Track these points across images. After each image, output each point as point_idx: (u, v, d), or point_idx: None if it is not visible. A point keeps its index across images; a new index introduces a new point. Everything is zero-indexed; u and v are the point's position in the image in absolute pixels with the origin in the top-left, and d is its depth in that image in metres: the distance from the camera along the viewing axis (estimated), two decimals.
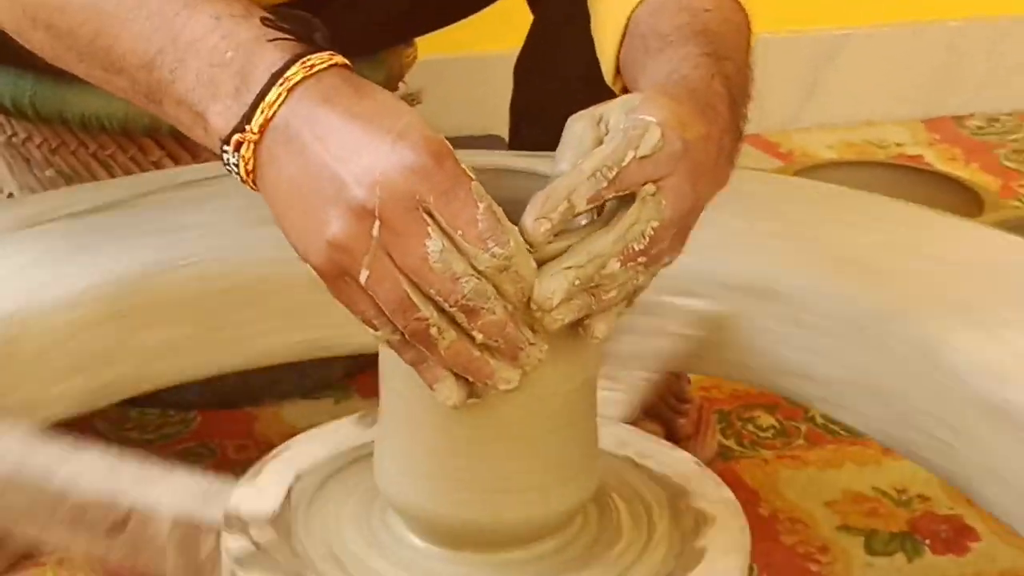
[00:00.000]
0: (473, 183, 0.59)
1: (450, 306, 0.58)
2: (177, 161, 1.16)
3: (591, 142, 0.65)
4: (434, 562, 0.72)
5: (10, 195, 1.23)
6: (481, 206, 0.58)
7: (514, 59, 1.18)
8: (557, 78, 1.04)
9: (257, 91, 0.62)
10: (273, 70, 0.62)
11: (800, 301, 0.87)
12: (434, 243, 0.58)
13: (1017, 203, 1.47)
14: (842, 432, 1.17)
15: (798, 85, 1.71)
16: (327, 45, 0.66)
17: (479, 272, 0.59)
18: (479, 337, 0.59)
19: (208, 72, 0.65)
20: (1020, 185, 1.54)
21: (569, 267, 0.61)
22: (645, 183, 0.63)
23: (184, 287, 0.94)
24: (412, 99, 1.16)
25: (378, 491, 0.75)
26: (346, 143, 0.60)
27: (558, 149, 0.66)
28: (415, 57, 1.17)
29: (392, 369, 0.70)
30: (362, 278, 0.59)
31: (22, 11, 0.77)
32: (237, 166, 0.63)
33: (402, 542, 0.73)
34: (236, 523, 0.74)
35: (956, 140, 1.67)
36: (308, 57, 0.63)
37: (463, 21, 1.15)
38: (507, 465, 0.70)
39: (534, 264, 0.61)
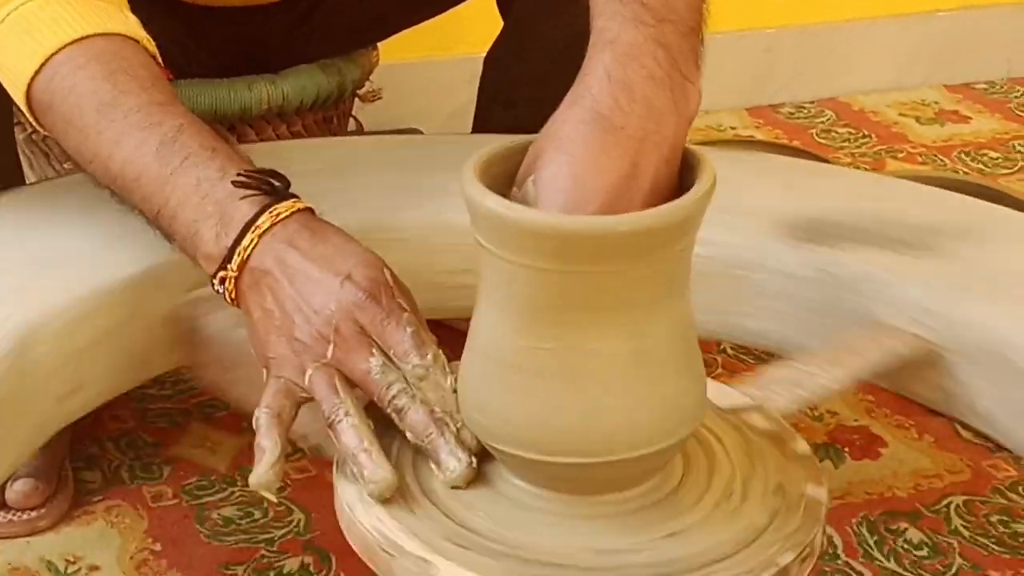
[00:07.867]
0: (405, 314, 0.63)
1: (385, 408, 0.62)
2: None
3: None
4: None
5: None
6: (409, 330, 0.63)
7: (447, 66, 1.26)
8: (527, 69, 1.07)
9: (234, 237, 0.67)
10: (246, 220, 0.67)
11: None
12: (376, 359, 0.63)
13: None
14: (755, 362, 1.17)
15: None
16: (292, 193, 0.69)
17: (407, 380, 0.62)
18: (408, 436, 0.62)
19: (194, 226, 0.69)
20: (834, 157, 1.63)
21: None
22: None
23: None
24: (374, 95, 1.17)
25: None
26: (307, 282, 0.65)
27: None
28: (378, 60, 1.19)
29: None
30: (305, 379, 0.64)
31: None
32: (224, 295, 0.68)
33: None
34: None
35: (775, 123, 1.77)
36: (275, 207, 0.67)
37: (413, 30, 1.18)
38: None
39: (451, 378, 0.62)
